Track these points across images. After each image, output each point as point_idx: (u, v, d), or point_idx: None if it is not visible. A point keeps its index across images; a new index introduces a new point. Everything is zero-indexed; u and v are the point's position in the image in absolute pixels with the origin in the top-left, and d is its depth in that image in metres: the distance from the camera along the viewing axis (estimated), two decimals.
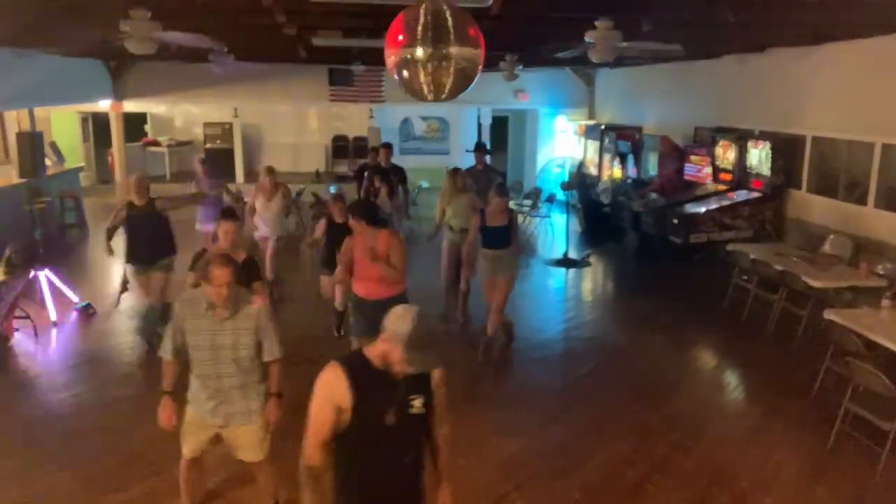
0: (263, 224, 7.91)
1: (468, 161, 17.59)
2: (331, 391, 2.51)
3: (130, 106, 14.83)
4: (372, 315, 5.05)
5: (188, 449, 3.82)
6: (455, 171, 7.74)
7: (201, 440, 3.80)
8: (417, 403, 2.59)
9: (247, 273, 4.68)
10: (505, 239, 6.40)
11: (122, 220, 6.60)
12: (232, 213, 5.28)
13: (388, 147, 9.37)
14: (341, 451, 2.58)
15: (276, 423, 3.77)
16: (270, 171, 7.96)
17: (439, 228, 7.68)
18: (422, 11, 3.59)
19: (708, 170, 10.15)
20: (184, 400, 3.80)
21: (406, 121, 16.83)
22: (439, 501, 2.80)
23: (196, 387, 3.73)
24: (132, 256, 6.64)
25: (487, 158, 9.30)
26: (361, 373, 2.52)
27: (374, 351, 2.55)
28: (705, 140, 10.35)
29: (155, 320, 6.49)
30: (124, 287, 7.49)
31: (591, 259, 10.43)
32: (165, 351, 3.70)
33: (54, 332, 7.20)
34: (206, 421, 3.73)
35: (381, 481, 2.60)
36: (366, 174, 9.01)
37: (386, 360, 2.52)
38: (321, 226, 6.84)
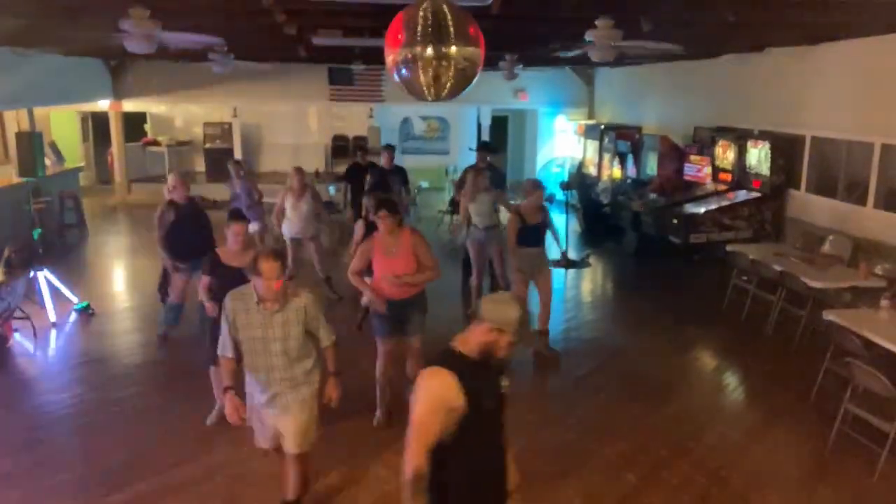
0: (291, 224, 7.98)
1: (468, 160, 17.57)
2: (442, 397, 2.52)
3: (130, 105, 14.83)
4: (396, 315, 5.06)
5: (263, 441, 3.95)
6: (478, 171, 7.87)
7: (267, 434, 3.89)
8: (505, 383, 2.74)
9: None
10: (542, 236, 6.63)
11: (171, 222, 6.49)
12: (240, 214, 5.24)
13: (390, 149, 9.35)
14: (448, 448, 2.58)
15: (338, 401, 3.93)
16: (299, 171, 8.05)
17: (465, 228, 7.83)
18: (422, 11, 3.59)
19: (707, 170, 10.15)
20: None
21: (406, 120, 16.83)
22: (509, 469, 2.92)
23: (250, 380, 3.81)
24: (177, 254, 6.56)
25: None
26: (464, 370, 2.56)
27: (470, 342, 2.62)
28: (705, 140, 10.35)
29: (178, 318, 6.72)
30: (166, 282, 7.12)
31: (591, 259, 10.42)
32: (224, 348, 3.74)
33: (54, 332, 7.20)
34: (264, 412, 3.82)
35: (485, 466, 2.71)
36: (368, 177, 8.98)
37: (488, 349, 2.61)
38: (360, 227, 6.83)
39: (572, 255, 10.34)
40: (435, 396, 2.54)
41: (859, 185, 7.85)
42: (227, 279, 4.67)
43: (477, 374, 2.58)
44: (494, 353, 2.63)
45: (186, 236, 6.49)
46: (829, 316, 5.62)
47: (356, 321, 6.99)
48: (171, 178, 6.73)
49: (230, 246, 4.92)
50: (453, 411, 2.52)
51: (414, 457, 2.52)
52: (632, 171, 11.93)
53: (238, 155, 15.24)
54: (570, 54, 6.99)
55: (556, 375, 6.49)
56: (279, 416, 3.77)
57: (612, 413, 5.57)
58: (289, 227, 8.03)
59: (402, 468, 2.55)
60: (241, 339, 3.70)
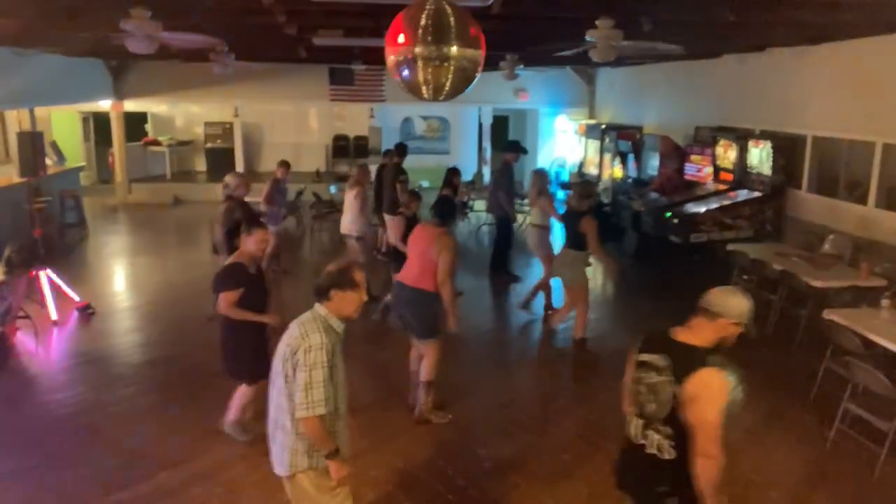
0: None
1: (466, 161, 17.56)
2: (726, 396, 2.67)
3: (131, 105, 14.85)
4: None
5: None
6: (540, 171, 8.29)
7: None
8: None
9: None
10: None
11: (236, 220, 6.23)
12: (259, 220, 5.16)
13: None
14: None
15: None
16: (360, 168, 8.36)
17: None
18: (423, 11, 3.59)
19: (708, 169, 10.15)
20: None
21: (407, 120, 16.86)
22: None
23: (341, 428, 3.10)
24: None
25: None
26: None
27: (706, 337, 2.78)
28: (706, 139, 10.35)
29: None
30: None
31: (592, 259, 10.40)
32: (323, 404, 2.89)
33: (55, 331, 7.21)
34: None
35: None
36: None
37: (722, 342, 2.80)
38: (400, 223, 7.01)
39: None
40: (723, 397, 2.64)
41: (860, 185, 7.85)
42: (253, 290, 4.62)
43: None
44: (725, 345, 2.78)
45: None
46: (829, 315, 5.62)
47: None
48: (232, 178, 6.61)
49: (254, 253, 4.67)
50: None
51: (719, 456, 2.60)
52: (633, 170, 11.93)
53: (239, 155, 15.28)
54: (570, 53, 7.00)
55: (557, 376, 6.49)
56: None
57: (613, 413, 5.53)
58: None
59: (701, 472, 2.61)
60: (336, 382, 2.98)
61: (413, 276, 5.12)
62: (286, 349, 2.96)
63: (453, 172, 8.84)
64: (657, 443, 2.75)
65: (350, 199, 8.07)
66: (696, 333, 2.77)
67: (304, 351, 2.88)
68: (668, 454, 2.72)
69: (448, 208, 5.40)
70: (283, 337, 3.05)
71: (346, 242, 8.27)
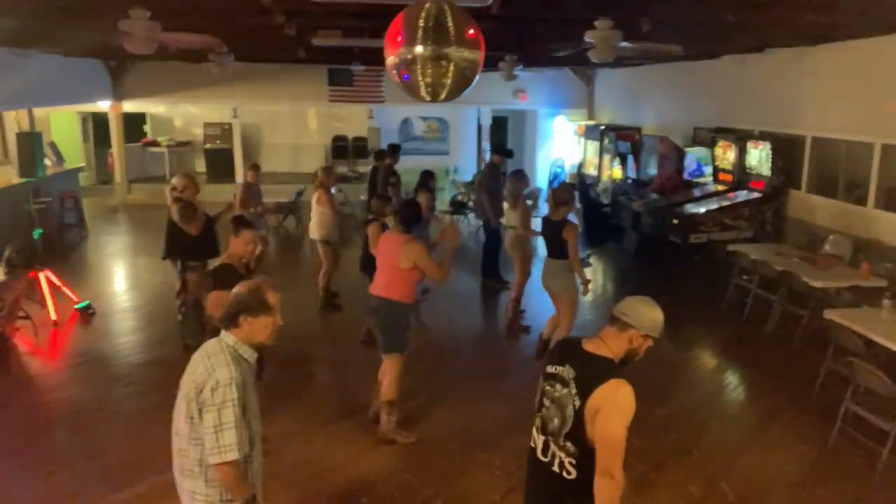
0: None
1: (466, 160, 17.55)
2: (633, 409, 2.46)
3: (130, 106, 14.84)
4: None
5: None
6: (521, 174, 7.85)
7: None
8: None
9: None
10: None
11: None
12: (248, 220, 5.07)
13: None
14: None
15: None
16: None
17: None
18: (422, 12, 3.59)
19: (708, 170, 10.16)
20: None
21: (406, 121, 16.84)
22: None
23: (255, 469, 2.81)
24: (208, 254, 6.44)
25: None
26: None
27: (615, 348, 2.58)
28: (705, 140, 10.35)
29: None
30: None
31: (591, 259, 10.39)
32: (236, 448, 2.57)
33: (54, 332, 7.20)
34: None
35: None
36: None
37: (633, 354, 2.60)
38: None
39: None
40: (630, 410, 2.45)
41: (860, 186, 7.86)
42: None
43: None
44: (635, 357, 2.62)
45: (207, 237, 6.47)
46: (830, 315, 5.63)
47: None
48: (179, 180, 6.53)
49: (240, 254, 4.62)
50: None
51: (621, 474, 2.42)
52: (632, 171, 11.93)
53: (238, 155, 15.27)
54: (570, 53, 6.98)
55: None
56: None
57: None
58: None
59: (599, 493, 2.42)
60: (248, 419, 2.66)
61: (381, 285, 4.86)
62: (190, 387, 2.62)
63: (428, 175, 8.49)
64: (559, 461, 2.55)
65: (313, 203, 7.95)
66: (606, 344, 2.58)
67: (210, 389, 2.56)
68: (570, 474, 2.53)
69: (413, 212, 5.00)
70: (186, 373, 2.71)
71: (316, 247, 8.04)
